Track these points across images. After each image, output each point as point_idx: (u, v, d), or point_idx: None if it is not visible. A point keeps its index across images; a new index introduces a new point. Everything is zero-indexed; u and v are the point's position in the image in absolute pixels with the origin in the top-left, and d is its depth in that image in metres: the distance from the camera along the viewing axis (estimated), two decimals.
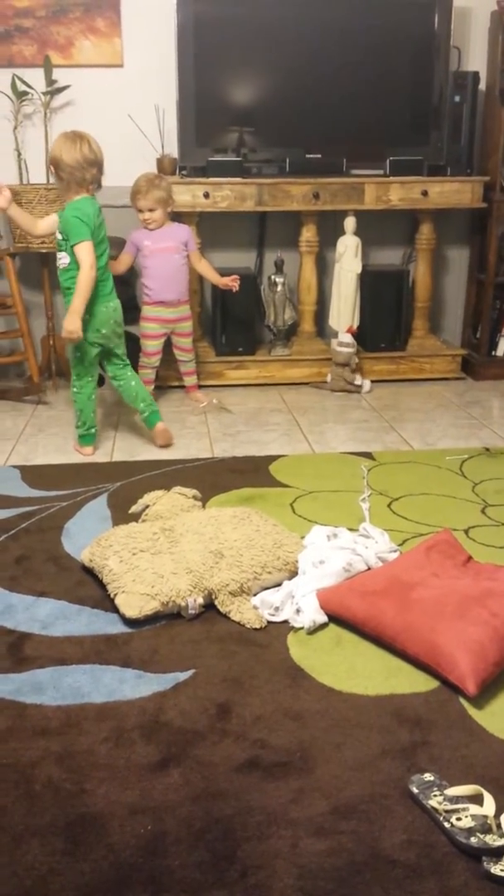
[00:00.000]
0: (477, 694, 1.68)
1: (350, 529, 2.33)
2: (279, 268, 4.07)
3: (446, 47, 3.88)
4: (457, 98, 3.94)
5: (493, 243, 4.08)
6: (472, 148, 4.01)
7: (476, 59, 4.08)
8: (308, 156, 3.89)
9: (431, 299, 4.22)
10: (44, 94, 3.86)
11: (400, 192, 3.91)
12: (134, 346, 3.92)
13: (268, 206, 3.86)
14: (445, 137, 3.98)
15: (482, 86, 4.01)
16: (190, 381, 3.87)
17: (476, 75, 3.93)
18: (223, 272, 3.91)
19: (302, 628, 1.95)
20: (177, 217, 3.93)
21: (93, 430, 3.19)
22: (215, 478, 2.85)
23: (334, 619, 1.98)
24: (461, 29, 4.01)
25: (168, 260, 3.61)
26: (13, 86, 3.80)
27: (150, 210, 3.55)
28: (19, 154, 3.90)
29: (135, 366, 3.46)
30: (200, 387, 3.91)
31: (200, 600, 2.01)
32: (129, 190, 3.93)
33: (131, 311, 4.04)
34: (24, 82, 3.80)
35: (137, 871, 1.29)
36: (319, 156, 3.90)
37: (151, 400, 3.27)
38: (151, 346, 3.73)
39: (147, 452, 3.18)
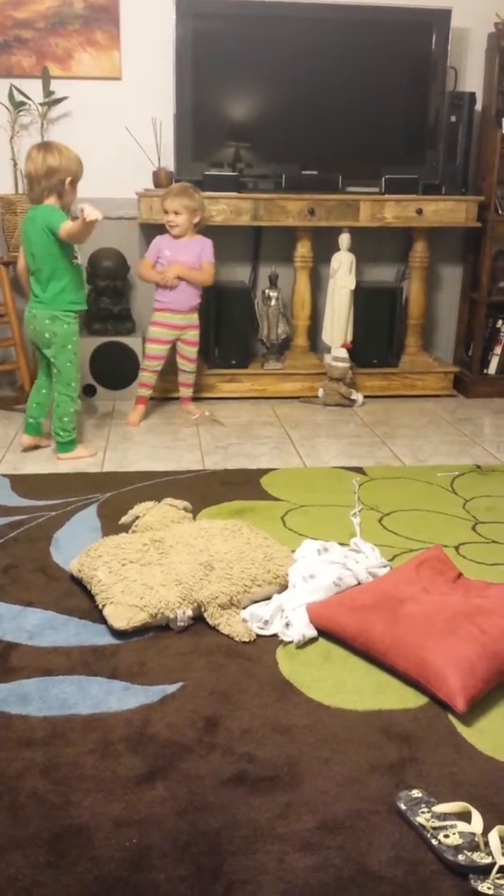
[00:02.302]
0: (466, 711, 1.67)
1: (341, 544, 2.33)
2: (273, 282, 4.08)
3: (443, 67, 3.92)
4: (453, 118, 3.98)
5: (487, 262, 4.11)
6: (468, 167, 4.04)
7: (472, 79, 4.12)
8: (304, 172, 3.91)
9: (424, 316, 4.24)
10: (41, 104, 3.87)
11: (395, 210, 3.93)
12: (131, 362, 3.93)
13: (263, 221, 3.88)
14: (441, 157, 4.01)
15: (478, 106, 4.05)
16: (186, 392, 3.87)
17: (472, 96, 3.97)
18: (218, 286, 3.93)
19: (291, 642, 1.94)
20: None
21: (30, 421, 3.28)
22: (206, 490, 2.85)
23: (324, 633, 1.97)
24: (458, 49, 4.05)
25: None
26: (10, 96, 3.81)
27: (176, 213, 3.58)
28: (15, 164, 3.91)
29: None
30: (193, 399, 3.91)
31: (189, 612, 2.00)
32: (124, 202, 3.95)
33: (124, 320, 4.06)
34: (21, 93, 3.82)
35: (122, 885, 1.27)
36: (315, 172, 3.92)
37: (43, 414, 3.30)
38: (155, 349, 3.73)
39: (138, 463, 3.17)
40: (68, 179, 3.03)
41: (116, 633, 1.95)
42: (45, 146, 3.07)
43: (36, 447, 3.30)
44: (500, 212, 4.06)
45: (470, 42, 4.09)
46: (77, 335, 3.16)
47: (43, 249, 3.03)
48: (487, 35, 4.02)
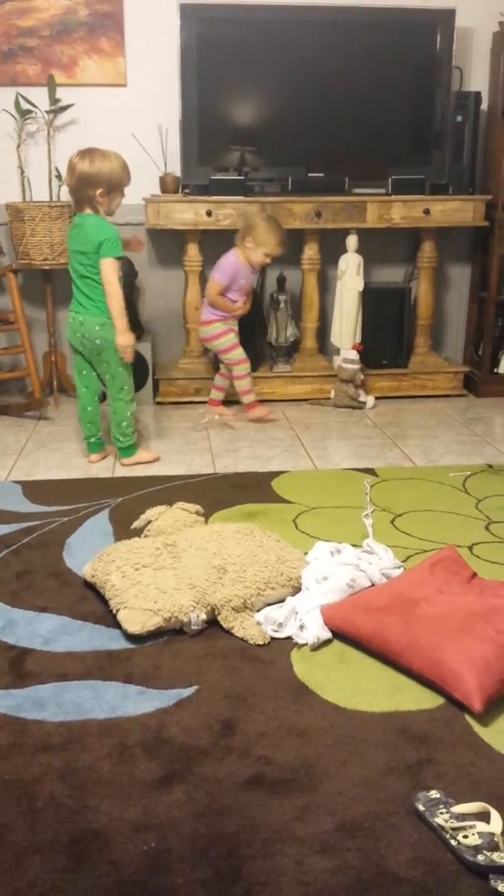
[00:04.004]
0: (483, 711, 1.66)
1: (353, 545, 2.32)
2: (281, 285, 4.08)
3: (448, 67, 3.92)
4: (459, 118, 3.97)
5: (495, 262, 4.09)
6: (475, 167, 4.03)
7: (478, 79, 4.11)
8: (310, 175, 3.91)
9: (433, 317, 4.23)
10: (47, 112, 3.89)
11: (402, 211, 3.93)
12: (141, 368, 3.94)
13: None
14: (448, 157, 4.01)
15: (484, 106, 4.04)
16: (219, 395, 3.91)
17: (478, 95, 3.96)
18: None
19: (306, 644, 1.93)
20: (179, 235, 3.96)
21: (92, 440, 3.26)
22: (218, 493, 2.85)
23: (338, 635, 1.96)
24: (463, 49, 4.04)
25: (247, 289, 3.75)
26: (17, 104, 3.83)
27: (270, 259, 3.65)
28: (22, 172, 3.92)
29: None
30: (202, 403, 3.91)
31: (203, 616, 1.99)
32: (131, 208, 3.95)
33: (133, 327, 4.05)
34: (27, 101, 3.83)
35: (141, 889, 1.27)
36: (322, 174, 3.92)
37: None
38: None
39: (150, 468, 3.17)
40: (98, 191, 2.99)
41: (131, 637, 1.95)
42: (82, 153, 3.02)
43: (104, 457, 3.29)
44: None
45: (475, 41, 4.08)
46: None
47: (95, 258, 3.02)
48: (492, 34, 4.01)
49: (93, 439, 3.26)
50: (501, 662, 1.71)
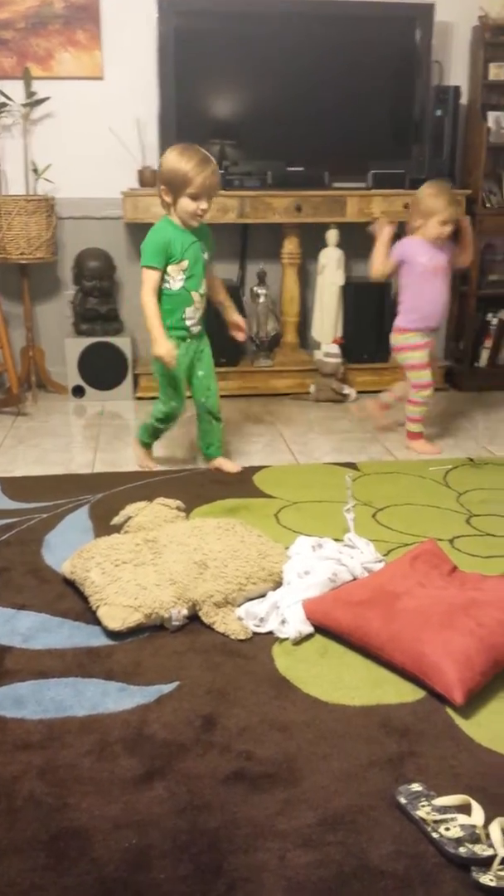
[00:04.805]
0: (464, 703, 1.66)
1: (335, 540, 2.32)
2: (261, 279, 4.08)
3: (427, 61, 3.92)
4: (438, 112, 3.98)
5: (476, 256, 4.10)
6: (454, 161, 4.04)
7: (457, 73, 4.12)
8: (290, 169, 3.90)
9: None
10: (23, 105, 3.85)
11: (382, 205, 3.93)
12: (120, 363, 3.90)
13: (249, 219, 3.87)
14: (427, 151, 4.01)
15: (464, 100, 4.04)
16: (417, 427, 3.37)
17: (457, 89, 3.97)
18: None
19: (287, 639, 1.93)
20: None
21: (208, 451, 3.08)
22: (199, 488, 2.83)
23: (320, 629, 1.96)
24: (442, 43, 4.05)
25: (436, 282, 3.20)
26: None
27: (450, 224, 3.14)
28: None
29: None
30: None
31: (184, 612, 1.98)
32: (109, 202, 3.92)
33: (112, 321, 4.04)
34: (2, 94, 3.80)
35: (122, 886, 1.26)
36: (301, 169, 3.91)
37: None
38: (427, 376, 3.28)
39: (130, 463, 3.15)
40: (161, 187, 2.78)
41: (111, 634, 1.93)
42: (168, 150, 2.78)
43: (220, 468, 3.04)
44: (487, 205, 4.06)
45: (454, 36, 4.09)
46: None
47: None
48: (472, 28, 4.02)
49: (208, 451, 3.07)
50: (482, 655, 1.71)
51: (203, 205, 2.74)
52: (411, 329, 3.22)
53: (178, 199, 2.75)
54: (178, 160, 2.71)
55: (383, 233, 3.19)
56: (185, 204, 2.74)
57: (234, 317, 3.07)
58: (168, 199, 2.78)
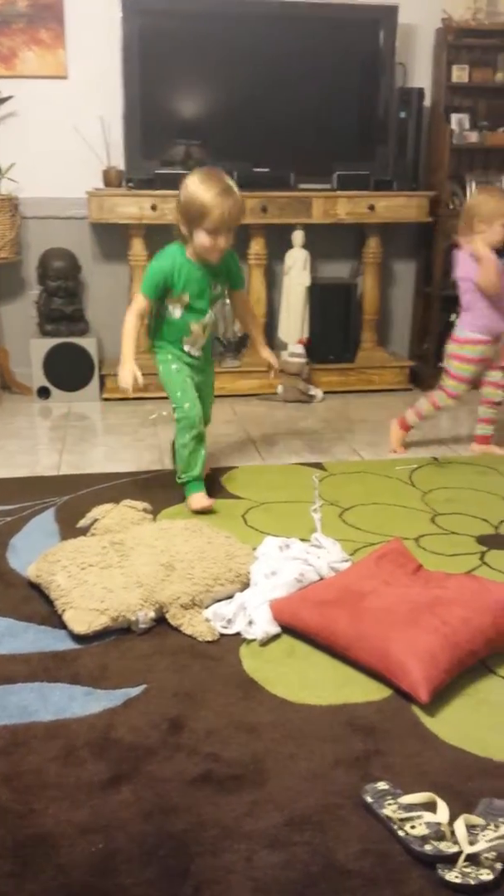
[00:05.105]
0: (429, 701, 1.68)
1: (302, 540, 2.33)
2: None
3: (391, 64, 3.95)
4: (402, 114, 4.01)
5: (439, 257, 4.14)
6: (418, 163, 4.07)
7: (421, 75, 4.15)
8: (256, 169, 3.91)
9: (379, 312, 4.27)
10: None
11: (347, 207, 3.95)
12: (86, 363, 3.87)
13: None
14: (392, 153, 4.03)
15: (427, 102, 4.08)
16: (487, 430, 3.32)
17: (421, 91, 4.00)
18: None
19: (254, 640, 1.93)
20: (123, 229, 3.91)
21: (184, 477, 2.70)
22: (166, 490, 2.83)
23: (287, 629, 1.96)
24: (406, 46, 4.08)
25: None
26: None
27: None
28: None
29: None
30: (148, 399, 3.87)
31: (151, 614, 1.98)
32: (74, 202, 3.89)
33: (77, 321, 4.02)
34: None
35: (89, 891, 1.25)
36: (267, 170, 3.92)
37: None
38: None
39: (96, 465, 3.13)
40: (177, 215, 2.55)
41: (77, 637, 1.92)
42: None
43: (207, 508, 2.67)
44: (451, 206, 4.10)
45: (418, 38, 4.12)
46: (168, 365, 2.71)
47: None
48: (435, 31, 4.05)
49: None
50: (447, 653, 1.73)
51: (221, 241, 2.50)
52: (480, 341, 3.13)
53: (193, 232, 2.50)
54: (197, 188, 2.45)
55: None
56: (201, 239, 2.49)
57: (263, 353, 2.85)
58: (183, 230, 2.53)
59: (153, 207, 3.78)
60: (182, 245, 2.59)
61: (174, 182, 3.74)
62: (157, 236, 3.92)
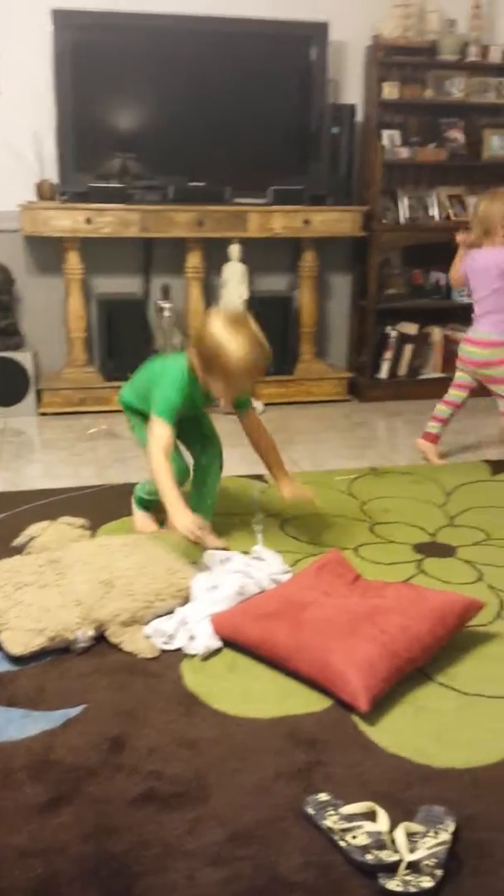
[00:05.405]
0: (369, 710, 1.69)
1: (243, 552, 2.33)
2: (166, 293, 4.07)
3: (323, 80, 4.00)
4: (335, 129, 4.06)
5: (373, 271, 4.20)
6: (351, 178, 4.13)
7: (352, 92, 4.21)
8: (191, 184, 3.91)
9: (317, 324, 4.31)
10: None
11: (283, 221, 3.98)
12: (21, 378, 3.82)
13: (152, 233, 3.87)
14: (325, 168, 4.08)
15: (359, 118, 4.14)
16: (436, 428, 3.32)
17: (353, 108, 4.07)
18: (110, 298, 3.88)
19: (196, 655, 1.92)
20: (58, 242, 3.88)
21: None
22: (105, 505, 2.80)
23: (228, 643, 1.96)
24: (337, 62, 4.14)
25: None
26: None
27: None
28: None
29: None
30: (87, 413, 3.83)
31: (90, 633, 1.95)
32: (6, 214, 3.84)
33: (12, 335, 3.96)
34: None
35: None
36: (203, 184, 3.93)
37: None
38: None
39: (33, 481, 3.09)
40: (194, 351, 2.30)
41: (13, 659, 1.89)
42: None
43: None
44: (384, 221, 4.17)
45: (349, 55, 4.18)
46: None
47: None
48: (365, 48, 4.12)
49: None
50: (385, 661, 1.75)
51: (234, 394, 2.35)
52: None
53: (208, 377, 2.29)
54: (226, 339, 2.19)
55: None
56: (216, 387, 2.30)
57: (285, 490, 2.53)
58: (198, 369, 2.30)
59: (88, 221, 3.75)
60: (191, 368, 2.34)
61: (109, 195, 3.77)
62: (92, 249, 3.90)
